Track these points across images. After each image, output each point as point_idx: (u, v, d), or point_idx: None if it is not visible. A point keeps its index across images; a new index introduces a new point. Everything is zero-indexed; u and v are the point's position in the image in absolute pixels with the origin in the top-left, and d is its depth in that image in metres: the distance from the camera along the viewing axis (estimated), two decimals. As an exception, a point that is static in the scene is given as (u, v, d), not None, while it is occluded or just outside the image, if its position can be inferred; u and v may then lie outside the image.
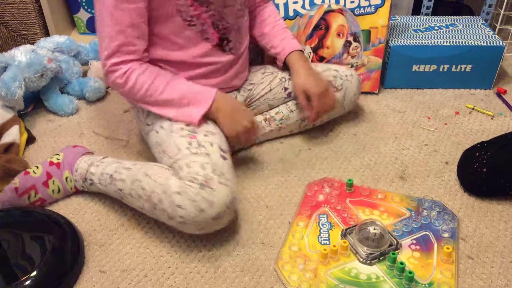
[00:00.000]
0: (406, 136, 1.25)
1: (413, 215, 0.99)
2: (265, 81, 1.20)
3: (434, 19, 1.56)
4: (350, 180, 1.05)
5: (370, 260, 0.88)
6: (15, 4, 1.57)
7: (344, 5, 1.32)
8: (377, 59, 1.38)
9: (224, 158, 0.92)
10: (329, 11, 1.32)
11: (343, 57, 1.37)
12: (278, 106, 1.21)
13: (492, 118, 1.33)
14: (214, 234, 0.94)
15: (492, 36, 1.42)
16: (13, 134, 1.18)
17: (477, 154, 1.03)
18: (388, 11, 1.31)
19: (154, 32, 0.99)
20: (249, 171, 1.13)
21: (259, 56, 1.38)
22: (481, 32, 1.46)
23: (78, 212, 1.02)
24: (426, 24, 1.52)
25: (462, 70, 1.42)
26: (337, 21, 1.33)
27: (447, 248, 0.89)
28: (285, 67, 1.18)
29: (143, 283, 0.87)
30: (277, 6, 1.31)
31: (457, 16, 1.57)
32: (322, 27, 1.34)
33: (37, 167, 1.03)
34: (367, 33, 1.34)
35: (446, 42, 1.39)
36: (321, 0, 1.32)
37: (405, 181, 1.10)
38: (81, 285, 0.86)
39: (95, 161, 1.03)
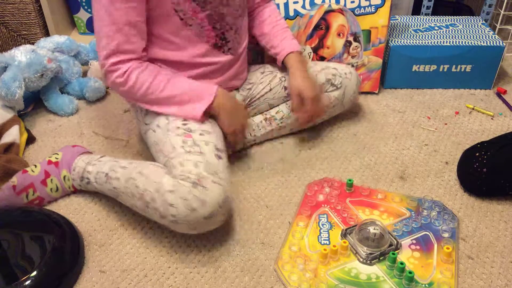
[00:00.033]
0: (406, 136, 1.25)
1: (413, 215, 0.99)
2: (265, 80, 1.20)
3: (434, 19, 1.56)
4: (350, 180, 1.05)
5: (370, 260, 0.88)
6: (15, 4, 1.57)
7: (345, 5, 1.32)
8: (377, 59, 1.38)
9: (219, 158, 0.91)
10: (329, 11, 1.32)
11: (343, 57, 1.37)
12: (278, 105, 1.21)
13: (492, 118, 1.33)
14: (214, 234, 0.94)
15: (492, 36, 1.42)
16: (13, 134, 1.19)
17: (477, 154, 1.03)
18: (388, 11, 1.31)
19: (152, 32, 0.99)
20: (249, 171, 1.13)
21: (259, 56, 1.38)
22: (481, 32, 1.46)
23: (78, 212, 1.02)
24: (426, 24, 1.52)
25: (462, 70, 1.42)
26: (337, 21, 1.33)
27: (447, 248, 0.89)
28: (285, 67, 1.18)
29: (143, 283, 0.87)
30: (277, 6, 1.30)
31: (457, 16, 1.57)
32: (322, 27, 1.34)
33: (35, 165, 1.03)
34: (367, 33, 1.34)
35: (446, 42, 1.39)
36: (322, 0, 1.32)
37: (405, 181, 1.10)
38: (81, 285, 0.86)
39: (92, 160, 1.03)
